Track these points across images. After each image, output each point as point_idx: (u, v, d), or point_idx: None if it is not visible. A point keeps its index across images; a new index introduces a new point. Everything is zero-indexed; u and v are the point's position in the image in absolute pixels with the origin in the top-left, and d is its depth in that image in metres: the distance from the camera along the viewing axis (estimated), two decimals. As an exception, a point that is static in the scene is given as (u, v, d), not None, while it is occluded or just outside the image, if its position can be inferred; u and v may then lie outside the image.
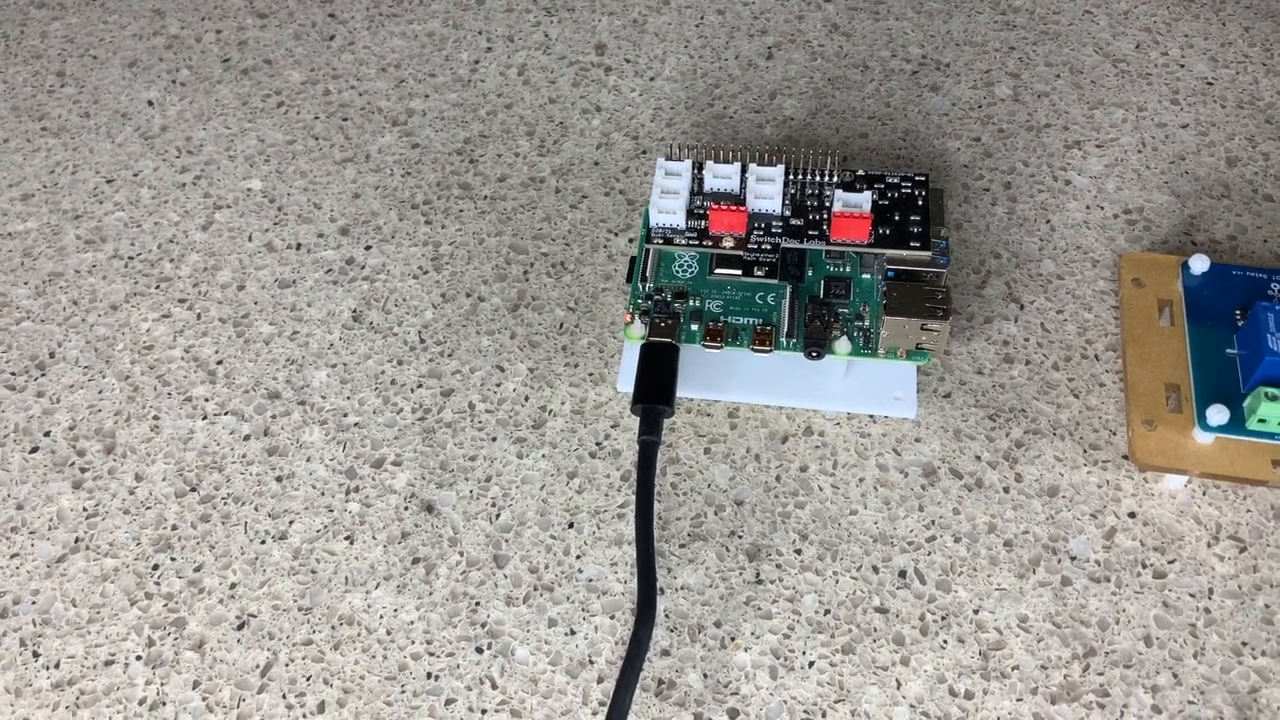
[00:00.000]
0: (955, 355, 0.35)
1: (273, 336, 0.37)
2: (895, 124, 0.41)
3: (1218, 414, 0.30)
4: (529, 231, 0.39)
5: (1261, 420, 0.29)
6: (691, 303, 0.33)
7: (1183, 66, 0.43)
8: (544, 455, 0.34)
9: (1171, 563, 0.31)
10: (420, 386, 0.35)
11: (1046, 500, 0.32)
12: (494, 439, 0.34)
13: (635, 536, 0.29)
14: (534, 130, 0.42)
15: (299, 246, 0.39)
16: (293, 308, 0.37)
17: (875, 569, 0.31)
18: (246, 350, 0.36)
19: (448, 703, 0.29)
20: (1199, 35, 0.43)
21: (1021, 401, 0.34)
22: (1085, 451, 0.33)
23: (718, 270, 0.33)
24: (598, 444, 0.34)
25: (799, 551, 0.32)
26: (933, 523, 0.32)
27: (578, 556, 0.32)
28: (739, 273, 0.32)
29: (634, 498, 0.32)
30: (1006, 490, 0.32)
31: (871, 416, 0.34)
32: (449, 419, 0.34)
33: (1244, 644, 0.29)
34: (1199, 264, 0.33)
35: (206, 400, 0.35)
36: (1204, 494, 0.32)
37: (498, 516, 0.32)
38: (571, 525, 0.32)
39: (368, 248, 0.39)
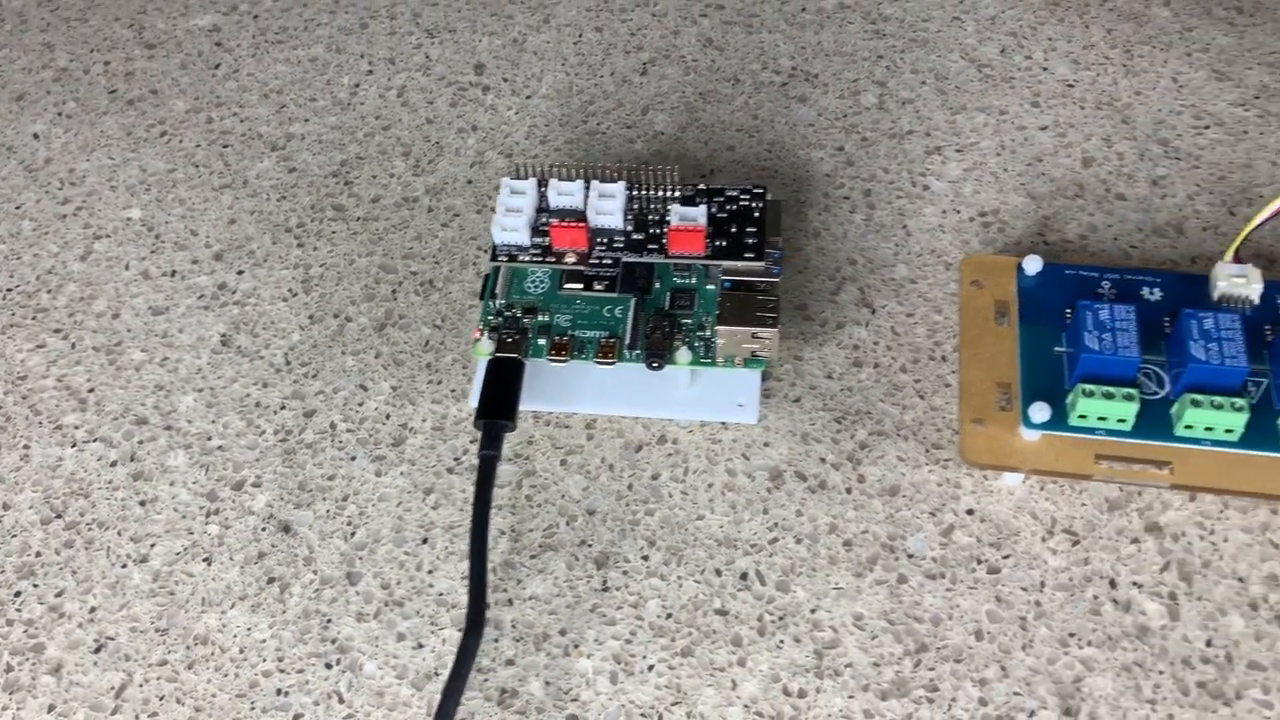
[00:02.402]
0: (807, 361, 0.36)
1: (144, 363, 0.37)
2: (762, 136, 0.42)
3: (1039, 411, 0.30)
4: (400, 251, 0.40)
5: (1081, 416, 0.30)
6: (541, 318, 0.33)
7: (1045, 70, 0.43)
8: (402, 473, 0.34)
9: (1006, 558, 0.32)
10: (284, 408, 0.36)
11: (887, 500, 0.33)
12: (353, 458, 0.35)
13: (470, 549, 0.30)
14: (410, 151, 0.43)
15: (174, 273, 0.40)
16: (164, 334, 0.38)
17: (718, 572, 0.32)
18: (118, 377, 0.37)
19: (295, 717, 0.30)
20: (1063, 38, 0.44)
21: (868, 404, 0.35)
22: (928, 451, 0.34)
23: (567, 285, 0.34)
24: (456, 459, 0.34)
25: (646, 558, 0.32)
26: (775, 525, 0.33)
27: (429, 571, 0.32)
28: (581, 287, 0.33)
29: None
30: (849, 491, 0.33)
31: (723, 423, 0.35)
32: (310, 439, 0.35)
33: (1071, 635, 0.30)
34: (1032, 265, 0.34)
35: (76, 428, 0.36)
36: (1041, 489, 0.33)
37: (353, 534, 0.33)
38: (425, 541, 0.33)
39: (240, 272, 0.39)
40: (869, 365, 0.36)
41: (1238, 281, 0.32)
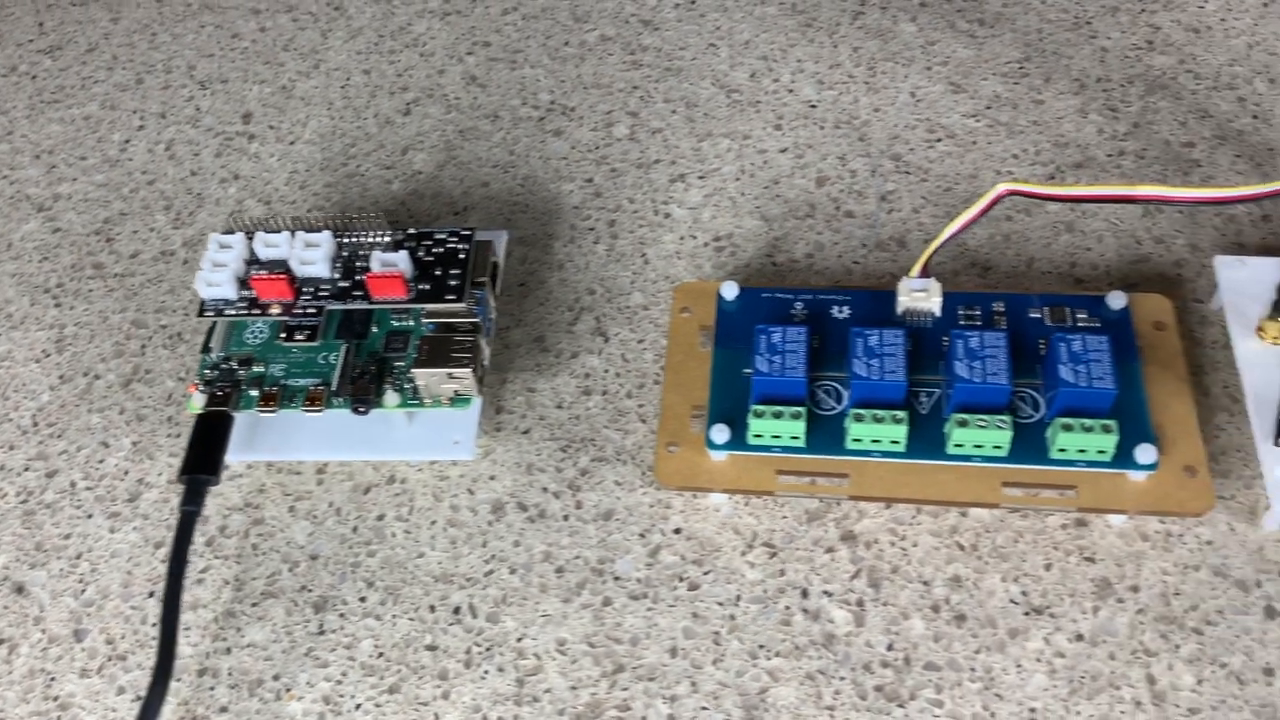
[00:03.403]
0: (539, 392, 0.37)
1: (-106, 433, 0.38)
2: (517, 171, 0.43)
3: (719, 433, 0.32)
4: (153, 305, 0.40)
5: (757, 435, 0.31)
6: (256, 368, 0.34)
7: (791, 92, 0.45)
8: (135, 528, 0.35)
9: (706, 574, 0.33)
10: (27, 470, 0.37)
11: (601, 524, 0.34)
12: (90, 515, 0.35)
13: (163, 603, 0.31)
14: (172, 204, 0.43)
15: (-69, 341, 0.40)
16: (-84, 403, 0.39)
17: (432, 608, 0.33)
18: None
19: (11, 779, 0.31)
20: (811, 59, 0.46)
21: (593, 431, 0.36)
22: (644, 474, 0.35)
23: (282, 335, 0.35)
24: (189, 511, 0.35)
25: (363, 599, 0.33)
26: (493, 557, 0.34)
27: (154, 625, 0.33)
28: (285, 336, 0.34)
29: (212, 563, 0.34)
30: (566, 518, 0.34)
31: (454, 461, 0.36)
32: (50, 499, 0.36)
33: (761, 646, 0.31)
34: (729, 290, 0.35)
35: None
36: (746, 505, 0.34)
37: (83, 592, 0.34)
38: (152, 595, 0.34)
39: (-5, 337, 0.40)
40: (598, 393, 0.37)
41: (919, 296, 0.34)
